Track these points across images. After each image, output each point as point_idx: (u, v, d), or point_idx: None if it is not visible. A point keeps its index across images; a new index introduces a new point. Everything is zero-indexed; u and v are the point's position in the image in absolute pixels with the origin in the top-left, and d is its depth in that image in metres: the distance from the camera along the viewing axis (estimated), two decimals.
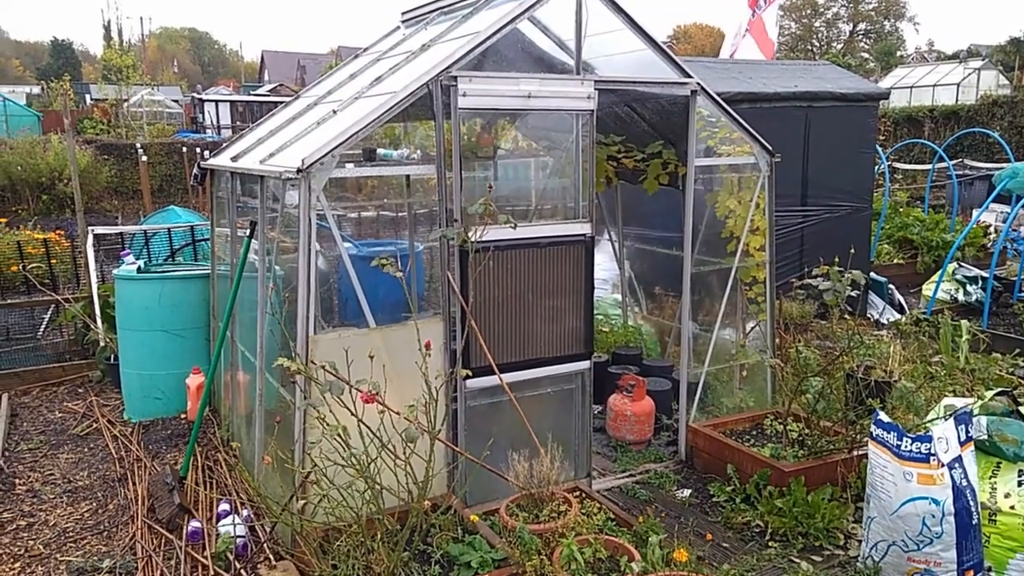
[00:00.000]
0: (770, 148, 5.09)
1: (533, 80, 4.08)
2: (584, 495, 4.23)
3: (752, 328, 5.52)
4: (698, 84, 4.68)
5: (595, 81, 4.25)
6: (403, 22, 5.97)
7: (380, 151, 5.11)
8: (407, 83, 3.86)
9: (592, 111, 4.26)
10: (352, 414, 3.16)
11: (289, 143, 4.25)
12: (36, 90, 38.21)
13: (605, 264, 7.16)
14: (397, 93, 3.80)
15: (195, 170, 5.62)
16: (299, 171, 3.54)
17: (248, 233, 4.45)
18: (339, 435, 3.12)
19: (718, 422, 5.10)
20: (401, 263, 3.60)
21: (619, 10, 4.35)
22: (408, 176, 6.05)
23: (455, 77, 3.87)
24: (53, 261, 8.44)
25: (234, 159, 4.82)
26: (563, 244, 4.29)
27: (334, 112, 4.33)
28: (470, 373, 3.82)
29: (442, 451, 3.95)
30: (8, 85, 39.71)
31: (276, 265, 4.23)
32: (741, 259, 5.22)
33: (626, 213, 6.84)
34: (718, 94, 4.90)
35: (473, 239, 3.84)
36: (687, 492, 4.72)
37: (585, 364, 4.52)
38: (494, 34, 4.00)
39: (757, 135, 5.00)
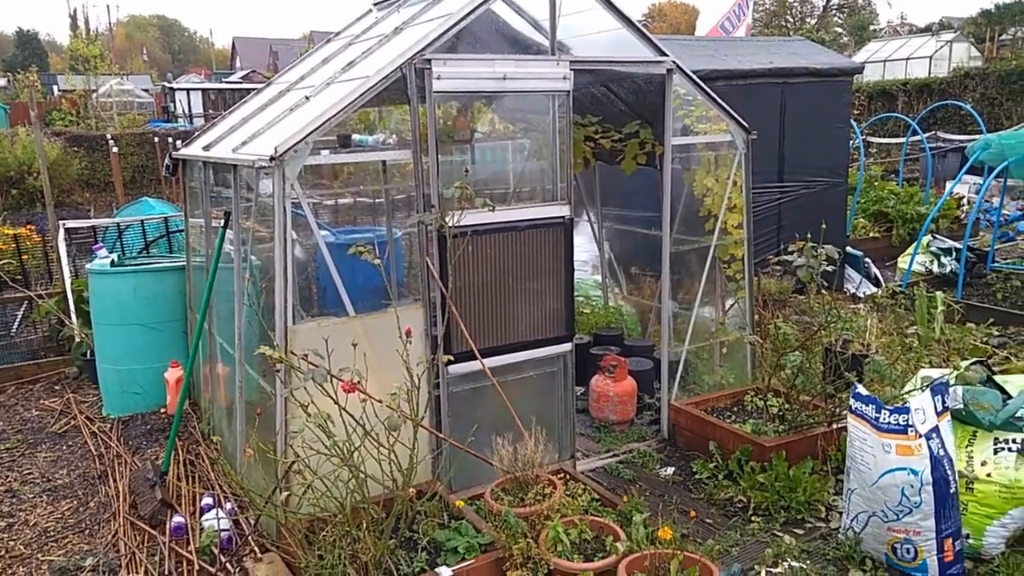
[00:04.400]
0: (746, 125, 5.09)
1: (508, 62, 4.04)
2: (569, 477, 4.25)
3: (731, 305, 5.54)
4: (674, 62, 4.66)
5: (571, 61, 4.21)
6: (375, 5, 5.88)
7: (355, 137, 5.04)
8: (380, 67, 3.81)
9: (568, 92, 4.23)
10: (335, 402, 3.14)
11: (262, 131, 4.18)
12: (2, 82, 37.33)
13: (584, 246, 7.16)
14: (370, 78, 3.75)
15: (167, 160, 5.52)
16: (272, 159, 3.49)
17: (223, 223, 4.38)
18: (322, 424, 3.10)
19: (699, 400, 5.13)
20: (379, 250, 3.56)
21: None
22: (384, 162, 5.99)
23: (429, 60, 3.82)
24: (24, 257, 8.28)
25: (206, 148, 4.74)
26: (542, 227, 4.27)
27: (307, 98, 4.27)
28: (452, 359, 3.80)
29: (426, 438, 3.94)
30: None
31: (252, 255, 4.17)
32: (719, 237, 5.24)
33: (604, 194, 6.82)
34: (694, 72, 4.89)
35: (451, 224, 3.81)
36: (670, 470, 4.75)
37: (567, 346, 4.52)
38: (467, 15, 3.95)
39: (733, 112, 5.00)
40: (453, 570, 3.35)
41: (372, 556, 3.28)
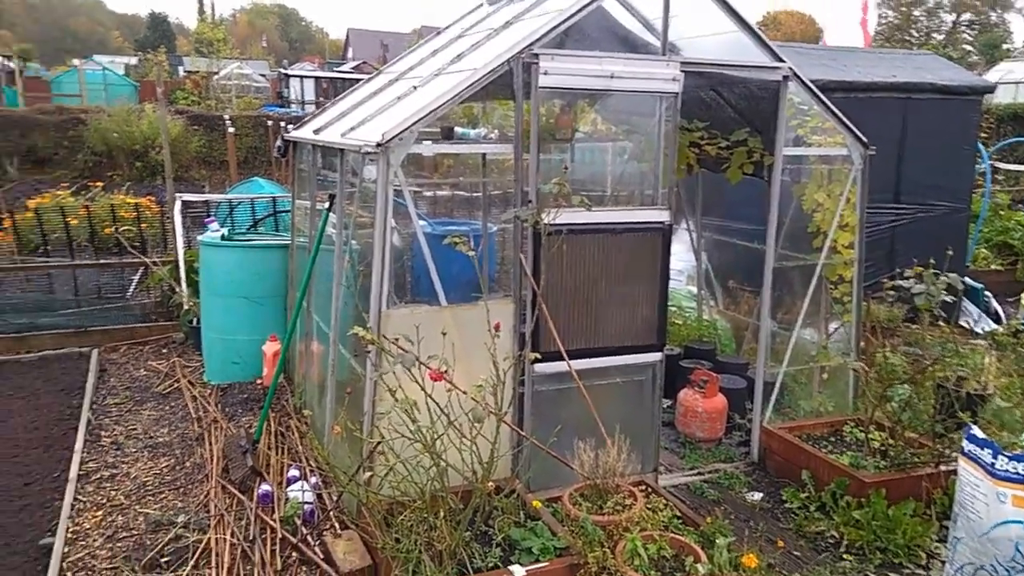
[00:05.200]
0: (865, 140, 4.83)
1: (617, 60, 3.97)
2: (650, 490, 4.15)
3: (836, 329, 5.28)
4: (790, 69, 4.48)
5: (681, 63, 4.11)
6: None
7: (458, 130, 5.08)
8: (487, 60, 3.81)
9: (677, 94, 4.13)
10: (421, 389, 3.16)
11: (369, 118, 4.27)
12: (133, 61, 39.83)
13: (681, 255, 6.99)
14: (477, 70, 3.76)
15: (278, 142, 5.73)
16: (378, 145, 3.55)
17: (327, 206, 4.50)
18: (407, 409, 3.13)
19: (794, 425, 4.92)
20: (474, 243, 3.57)
21: None
22: (484, 156, 6.02)
23: (537, 55, 3.80)
24: (144, 226, 8.80)
25: (316, 132, 4.88)
26: (639, 231, 4.19)
27: (414, 88, 4.33)
28: (539, 357, 3.77)
29: (507, 434, 3.93)
30: (108, 55, 41.50)
31: (353, 239, 4.27)
32: (827, 256, 5.00)
33: (706, 202, 6.64)
34: (811, 81, 4.68)
35: (546, 221, 3.78)
36: (758, 495, 4.56)
37: (657, 356, 4.42)
38: (579, 11, 3.91)
39: (851, 126, 4.76)
40: (527, 570, 3.32)
41: (447, 546, 3.29)
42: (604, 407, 4.14)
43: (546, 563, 3.40)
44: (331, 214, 4.56)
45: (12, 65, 27.87)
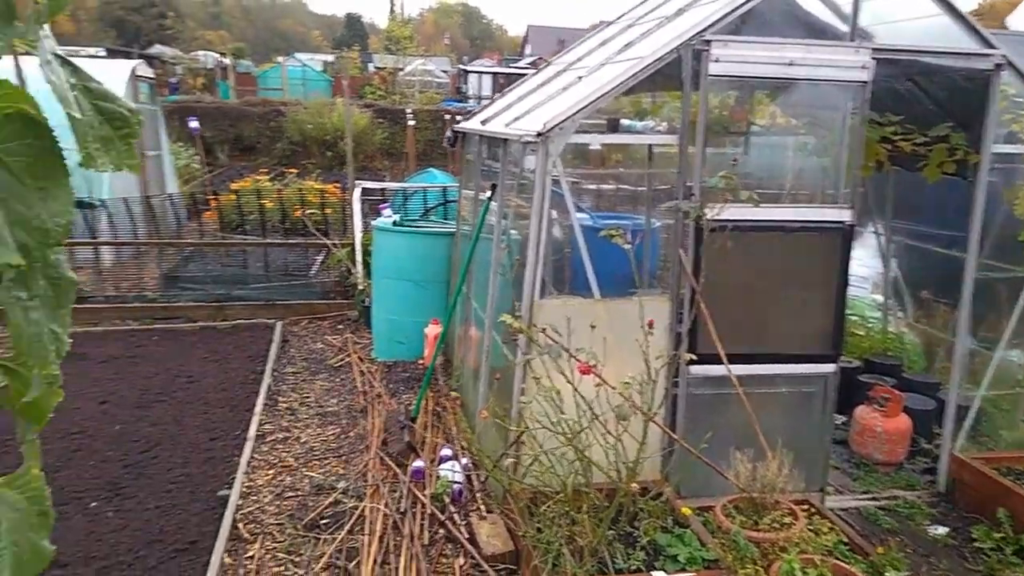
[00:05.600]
0: None
1: (798, 46, 3.70)
2: (814, 510, 3.85)
3: None
4: (1003, 57, 3.96)
5: (872, 49, 3.75)
6: None
7: (624, 122, 4.99)
8: (655, 48, 3.69)
9: (866, 83, 3.78)
10: (567, 381, 3.13)
11: (534, 108, 4.28)
12: (330, 58, 42.97)
13: (866, 260, 6.45)
14: (643, 59, 3.65)
15: (448, 132, 5.91)
16: (538, 135, 3.54)
17: (488, 195, 4.57)
18: (552, 399, 3.11)
19: (992, 456, 4.38)
20: (633, 238, 3.48)
21: None
22: (650, 148, 5.86)
23: (708, 41, 3.62)
24: (328, 211, 9.45)
25: (483, 123, 4.98)
26: (815, 230, 3.89)
27: (579, 78, 4.29)
28: (695, 358, 3.61)
29: (657, 435, 3.81)
30: (308, 53, 45.06)
31: (512, 228, 4.31)
32: None
33: (898, 203, 6.06)
34: None
35: (710, 216, 3.60)
36: (942, 530, 4.10)
37: (830, 367, 4.09)
38: None
39: None
40: None
41: (589, 542, 3.24)
42: (767, 417, 3.89)
43: (692, 573, 3.26)
44: (492, 203, 4.63)
45: (226, 62, 30.98)
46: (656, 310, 3.75)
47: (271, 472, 4.50)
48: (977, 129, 4.27)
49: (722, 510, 3.66)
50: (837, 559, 3.39)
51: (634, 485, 3.25)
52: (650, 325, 3.29)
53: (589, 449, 3.28)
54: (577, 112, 3.53)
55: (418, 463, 4.44)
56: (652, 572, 3.24)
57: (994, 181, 4.36)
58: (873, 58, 3.74)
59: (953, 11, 3.90)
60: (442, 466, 4.36)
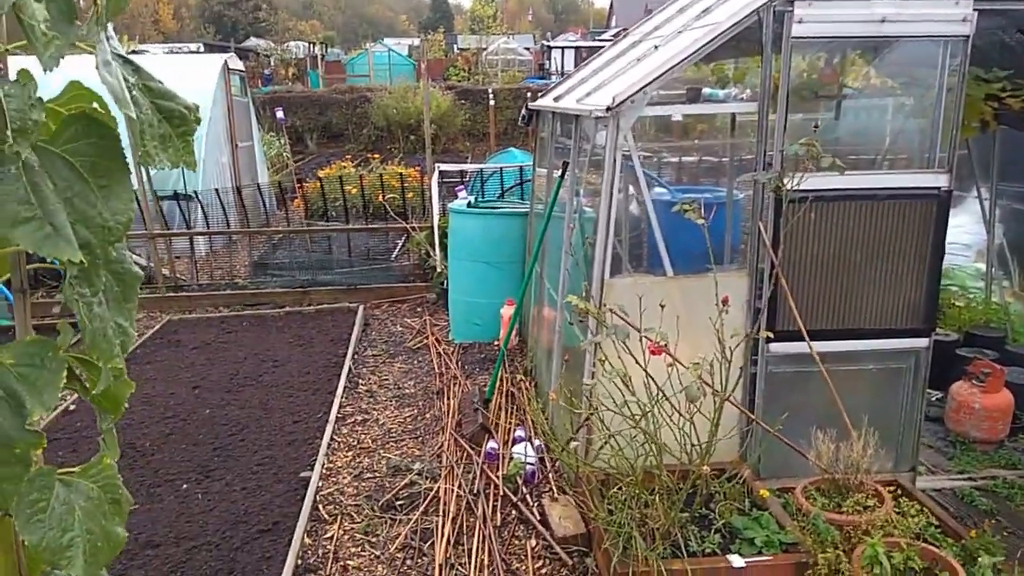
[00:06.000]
0: None
1: (889, 1, 3.42)
2: (902, 491, 3.64)
3: None
4: None
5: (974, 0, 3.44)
6: None
7: (706, 91, 4.77)
8: (733, 11, 3.50)
9: (967, 37, 3.47)
10: (636, 362, 3.04)
11: (607, 82, 4.16)
12: (416, 42, 43.50)
13: (969, 227, 6.00)
14: (720, 24, 3.47)
15: (523, 111, 5.84)
16: (608, 109, 3.44)
17: (560, 173, 4.50)
18: (619, 381, 3.03)
19: None
20: (717, 211, 3.34)
21: None
22: (734, 117, 5.62)
23: (792, 1, 3.40)
24: (409, 195, 9.59)
25: (556, 100, 4.89)
26: (906, 198, 3.63)
27: (655, 48, 4.13)
28: (772, 335, 3.44)
29: (734, 415, 3.67)
30: (395, 38, 45.73)
31: (584, 207, 4.22)
32: None
33: (1004, 165, 5.60)
34: None
35: (790, 186, 3.41)
36: None
37: (922, 341, 3.84)
38: None
39: None
40: (746, 561, 3.10)
41: (661, 525, 3.17)
42: (851, 395, 3.70)
43: (769, 557, 3.14)
44: (564, 181, 4.55)
45: (316, 51, 31.83)
46: (733, 286, 3.60)
47: (350, 454, 4.61)
48: None
49: (802, 492, 3.51)
50: (926, 542, 3.20)
51: (706, 468, 3.14)
52: (724, 302, 3.16)
53: (660, 431, 3.19)
54: (648, 84, 3.40)
55: (492, 444, 4.45)
56: (728, 555, 3.15)
57: None
58: (975, 9, 3.43)
59: None
60: (515, 447, 4.35)
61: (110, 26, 1.20)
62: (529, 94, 20.68)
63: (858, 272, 3.70)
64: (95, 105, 1.23)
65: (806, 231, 3.60)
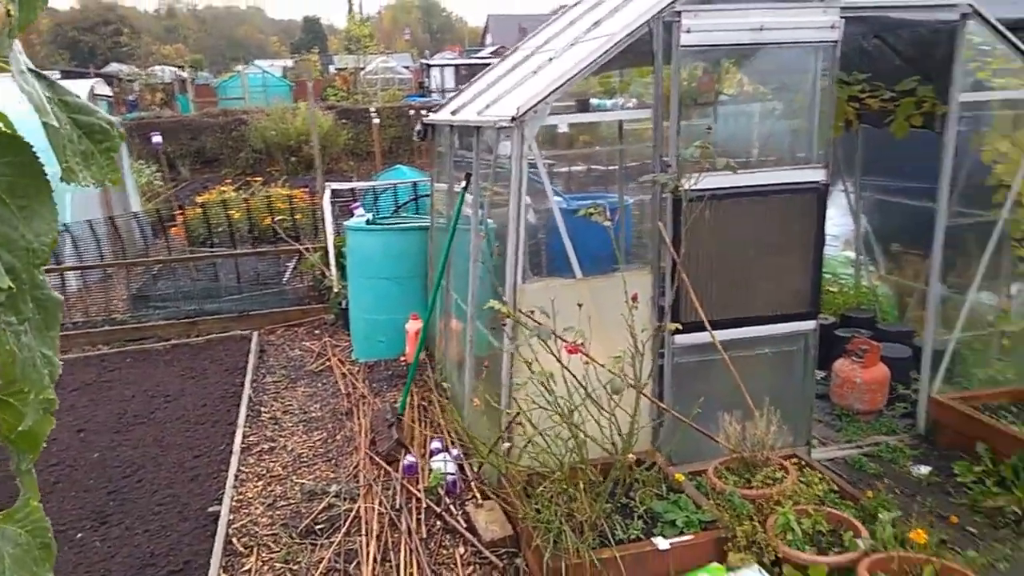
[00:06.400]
0: None
1: (766, 10, 3.69)
2: (803, 463, 3.89)
3: (1021, 290, 4.71)
4: (969, 6, 3.97)
5: (840, 8, 3.75)
6: None
7: (593, 101, 4.95)
8: (626, 23, 3.66)
9: (835, 43, 3.78)
10: (557, 361, 3.11)
11: (505, 94, 4.24)
12: (290, 63, 42.51)
13: (836, 218, 6.49)
14: (614, 35, 3.62)
15: (418, 126, 5.84)
16: (513, 119, 3.51)
17: (463, 185, 4.53)
18: (542, 380, 3.09)
19: (968, 395, 4.46)
20: (620, 213, 3.47)
21: None
22: (621, 125, 5.85)
23: (679, 12, 3.60)
24: (298, 217, 9.34)
25: (453, 113, 4.93)
26: (790, 192, 3.90)
27: (550, 60, 4.25)
28: (680, 327, 3.60)
29: (646, 406, 3.81)
30: (268, 60, 44.51)
31: (489, 216, 4.27)
32: (1011, 211, 4.44)
33: (867, 160, 6.11)
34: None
35: (687, 186, 3.59)
36: (925, 469, 4.19)
37: (810, 324, 4.12)
38: None
39: None
40: (671, 542, 3.22)
41: (588, 517, 3.24)
42: (751, 379, 3.92)
43: (691, 536, 3.28)
44: (467, 193, 4.58)
45: (184, 75, 30.51)
46: (638, 283, 3.74)
47: (260, 483, 4.43)
48: (944, 80, 4.29)
49: (714, 472, 3.69)
50: (829, 507, 3.43)
51: (632, 456, 3.24)
52: (634, 299, 3.28)
53: (584, 425, 3.27)
54: (550, 93, 3.50)
55: (409, 458, 4.40)
56: (652, 539, 3.25)
57: (962, 131, 4.40)
58: (841, 17, 3.74)
59: None
60: (434, 459, 4.33)
61: (16, 42, 1.13)
62: (412, 112, 20.71)
63: (752, 263, 3.94)
64: (1, 125, 1.15)
65: (703, 228, 3.79)
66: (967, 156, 4.55)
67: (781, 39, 3.78)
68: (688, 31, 3.63)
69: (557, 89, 3.55)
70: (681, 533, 3.30)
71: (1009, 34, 4.10)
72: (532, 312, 3.18)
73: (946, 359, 4.55)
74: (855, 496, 3.61)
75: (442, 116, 5.38)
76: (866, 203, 6.23)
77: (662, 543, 3.21)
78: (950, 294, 4.75)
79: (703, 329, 3.83)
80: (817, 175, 3.93)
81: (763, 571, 3.13)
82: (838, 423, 4.79)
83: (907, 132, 4.93)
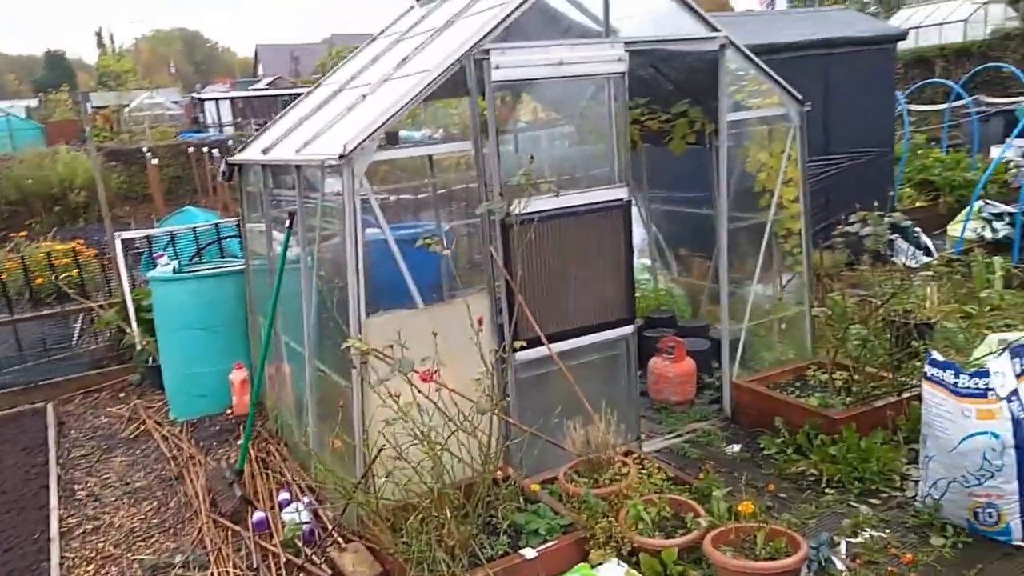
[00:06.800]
0: (800, 97, 5.04)
1: (563, 47, 4.06)
2: (639, 457, 4.26)
3: (789, 281, 5.50)
4: (726, 38, 4.63)
5: (625, 43, 4.21)
6: (419, 1, 5.91)
7: (403, 133, 5.07)
8: (440, 60, 3.84)
9: (624, 73, 4.24)
10: (418, 391, 3.19)
11: (322, 131, 4.25)
12: (34, 103, 38.20)
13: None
14: (431, 71, 3.79)
15: (223, 167, 5.62)
16: (341, 157, 3.55)
17: (287, 225, 4.45)
18: (405, 414, 3.16)
19: (761, 376, 5.12)
20: (454, 241, 3.63)
21: None
22: (431, 157, 6.03)
23: (487, 50, 3.85)
24: (75, 272, 8.46)
25: (265, 152, 4.82)
26: (601, 210, 4.29)
27: (363, 97, 4.33)
28: (524, 345, 3.83)
29: (496, 424, 3.98)
30: (6, 100, 39.63)
31: (320, 254, 4.24)
32: (775, 212, 5.20)
33: (651, 176, 6.80)
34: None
35: (516, 211, 3.84)
36: (737, 447, 4.74)
37: (629, 329, 4.54)
38: (521, 4, 3.96)
39: (787, 86, 4.95)
40: (537, 551, 3.39)
41: (458, 540, 3.34)
42: (586, 385, 4.23)
43: (555, 541, 3.47)
44: (292, 233, 4.51)
45: None
46: (478, 307, 3.92)
47: (91, 567, 4.03)
48: (710, 103, 4.95)
49: (565, 477, 3.94)
50: (668, 494, 3.81)
51: (500, 473, 3.39)
52: (479, 322, 3.45)
53: (443, 453, 3.37)
54: (377, 129, 3.59)
55: (258, 514, 4.23)
56: (520, 551, 3.41)
57: (729, 144, 5.07)
58: (626, 50, 4.20)
59: (683, 2, 4.47)
60: (285, 511, 4.20)
61: None
62: (191, 149, 19.52)
63: (575, 278, 4.27)
64: None
65: (531, 249, 4.06)
66: (735, 167, 5.25)
67: (579, 72, 4.18)
68: (497, 67, 3.91)
69: (384, 124, 3.66)
70: (545, 540, 3.48)
71: (758, 60, 4.82)
72: (391, 346, 3.24)
73: (740, 347, 5.20)
74: (687, 481, 4.03)
75: (251, 155, 5.24)
76: (654, 214, 6.92)
77: (529, 553, 3.38)
78: (733, 289, 5.43)
79: (540, 344, 4.09)
80: (620, 193, 4.36)
81: (622, 563, 3.40)
82: (659, 416, 5.26)
83: (684, 149, 5.59)
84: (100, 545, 4.25)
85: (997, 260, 6.55)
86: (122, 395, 6.66)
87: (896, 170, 9.66)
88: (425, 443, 3.24)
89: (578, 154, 5.35)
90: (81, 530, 4.42)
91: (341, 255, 3.81)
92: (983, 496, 3.56)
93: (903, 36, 8.70)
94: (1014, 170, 10.98)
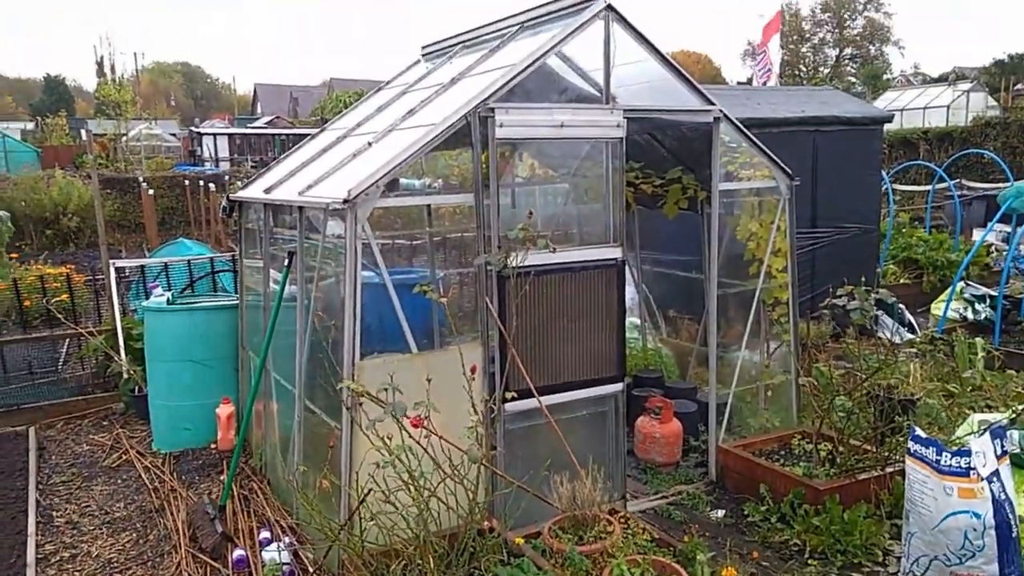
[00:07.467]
0: (790, 171, 5.22)
1: (566, 110, 4.21)
2: (624, 516, 4.28)
3: (776, 349, 5.60)
4: (720, 111, 4.82)
5: (624, 110, 4.38)
6: (424, 56, 6.12)
7: (403, 181, 5.19)
8: (446, 115, 3.98)
9: (622, 139, 4.39)
10: (410, 437, 3.23)
11: (327, 175, 4.35)
12: (30, 126, 38.36)
13: None
14: (437, 125, 3.92)
15: (223, 202, 5.71)
16: (346, 201, 3.64)
17: (286, 263, 4.53)
18: (395, 458, 3.19)
19: (747, 442, 5.16)
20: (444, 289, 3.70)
21: (644, 41, 4.50)
22: (429, 205, 6.15)
23: (492, 109, 4.00)
24: (64, 296, 8.44)
25: (267, 191, 4.92)
26: (595, 268, 4.40)
27: (369, 144, 4.46)
28: (516, 395, 3.88)
29: (484, 474, 4.00)
30: (2, 122, 39.79)
31: (317, 294, 4.30)
32: (764, 280, 5.33)
33: (643, 237, 6.95)
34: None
35: (513, 264, 3.94)
36: (721, 512, 4.76)
37: (618, 386, 4.60)
38: (527, 68, 4.14)
39: (777, 159, 5.14)
40: None
41: None
42: (574, 440, 4.27)
43: None
44: (290, 272, 4.58)
45: None
46: (471, 356, 3.97)
47: None
48: (703, 171, 5.12)
49: (549, 532, 3.94)
50: (652, 555, 3.82)
51: (487, 523, 3.40)
52: (472, 371, 3.51)
53: (430, 500, 3.38)
54: (383, 176, 3.70)
55: (239, 552, 4.19)
56: None
57: (720, 212, 5.23)
58: (625, 117, 4.37)
59: (681, 76, 4.68)
60: (265, 550, 4.17)
61: None
62: (187, 182, 19.65)
63: (568, 332, 4.35)
64: None
65: (525, 302, 4.15)
66: (725, 234, 5.41)
67: (579, 135, 4.34)
68: (501, 125, 4.05)
69: (389, 172, 3.77)
70: None
71: (749, 134, 5.02)
72: (385, 389, 3.28)
73: (727, 411, 5.27)
74: (671, 543, 4.03)
75: (253, 193, 5.34)
76: (645, 275, 7.05)
77: None
78: (721, 353, 5.53)
79: (530, 395, 4.14)
80: (615, 253, 4.48)
81: None
82: (644, 476, 5.28)
83: (676, 213, 5.74)
84: (76, 574, 4.19)
85: (979, 341, 6.69)
86: (105, 423, 6.61)
87: (881, 246, 9.91)
88: (413, 488, 3.25)
89: (573, 211, 5.49)
90: (58, 557, 4.35)
91: (337, 296, 3.88)
92: None
93: (889, 119, 9.05)
94: (995, 253, 11.29)
